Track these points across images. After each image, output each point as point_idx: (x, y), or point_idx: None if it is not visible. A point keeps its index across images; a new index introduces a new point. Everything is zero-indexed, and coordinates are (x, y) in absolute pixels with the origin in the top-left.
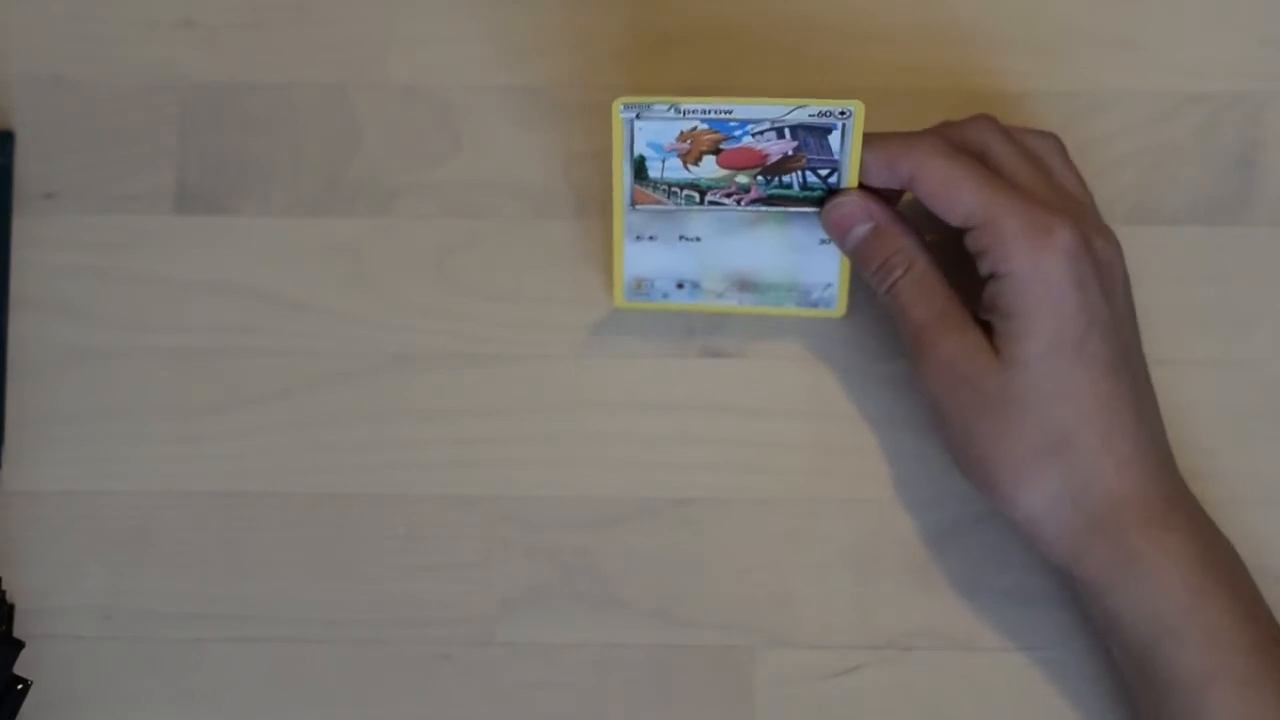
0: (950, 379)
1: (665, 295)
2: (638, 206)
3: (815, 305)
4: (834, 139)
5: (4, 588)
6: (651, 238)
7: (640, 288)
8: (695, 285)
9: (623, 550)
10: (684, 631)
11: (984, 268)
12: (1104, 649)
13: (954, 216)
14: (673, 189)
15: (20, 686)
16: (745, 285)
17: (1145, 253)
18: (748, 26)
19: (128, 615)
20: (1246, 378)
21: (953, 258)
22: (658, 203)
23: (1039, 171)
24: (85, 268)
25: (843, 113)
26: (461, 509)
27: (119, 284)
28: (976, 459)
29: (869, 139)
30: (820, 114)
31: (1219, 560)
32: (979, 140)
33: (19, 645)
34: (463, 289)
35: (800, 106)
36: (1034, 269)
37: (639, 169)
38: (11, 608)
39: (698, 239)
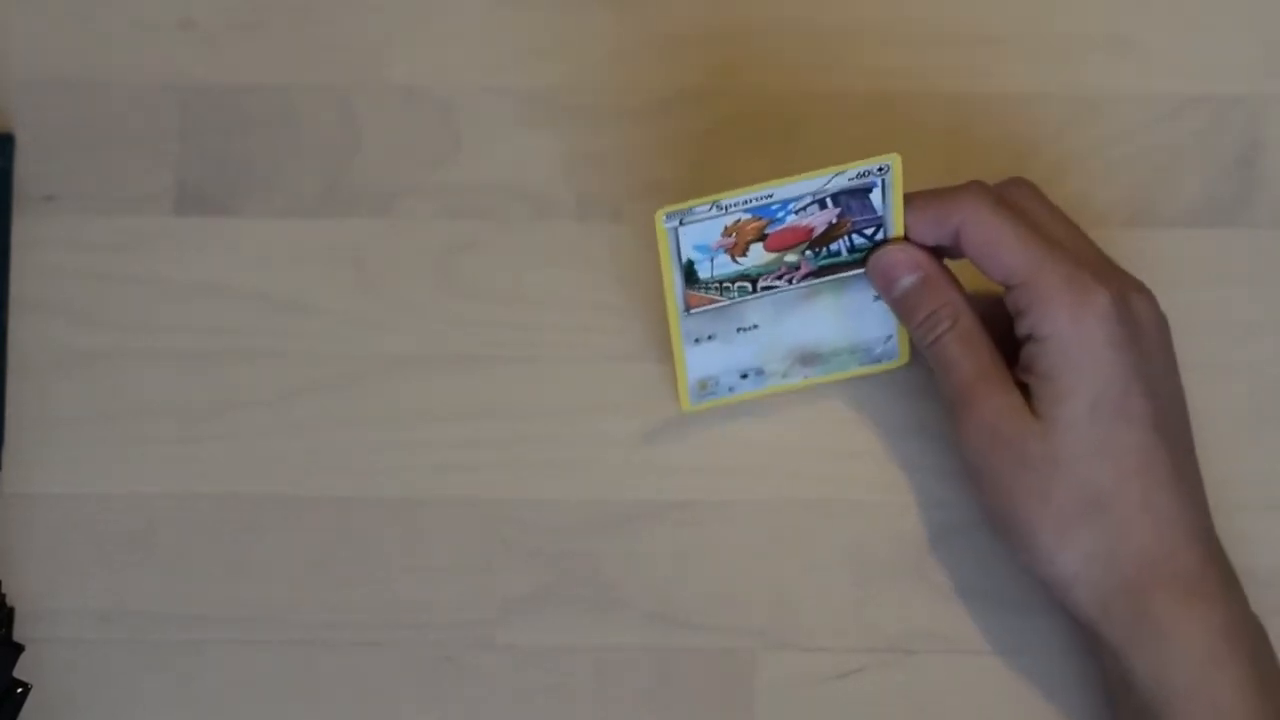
0: (990, 440)
1: (731, 389)
2: (693, 311)
3: (879, 360)
4: (875, 196)
5: (4, 591)
6: (710, 337)
7: (705, 388)
8: (759, 371)
9: (623, 552)
10: (684, 634)
11: (1023, 328)
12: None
13: (997, 271)
14: (725, 285)
15: (20, 690)
16: (808, 359)
17: (1146, 256)
18: (748, 29)
19: (128, 618)
20: (1248, 380)
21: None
22: (712, 302)
23: (1076, 232)
24: (85, 269)
25: (881, 169)
26: (462, 511)
27: (119, 285)
28: (1015, 519)
29: (913, 197)
30: (859, 175)
31: (1241, 630)
32: (1017, 199)
33: (19, 649)
34: (463, 290)
35: (839, 173)
36: (1074, 332)
37: (689, 273)
38: (11, 611)
39: (755, 326)
